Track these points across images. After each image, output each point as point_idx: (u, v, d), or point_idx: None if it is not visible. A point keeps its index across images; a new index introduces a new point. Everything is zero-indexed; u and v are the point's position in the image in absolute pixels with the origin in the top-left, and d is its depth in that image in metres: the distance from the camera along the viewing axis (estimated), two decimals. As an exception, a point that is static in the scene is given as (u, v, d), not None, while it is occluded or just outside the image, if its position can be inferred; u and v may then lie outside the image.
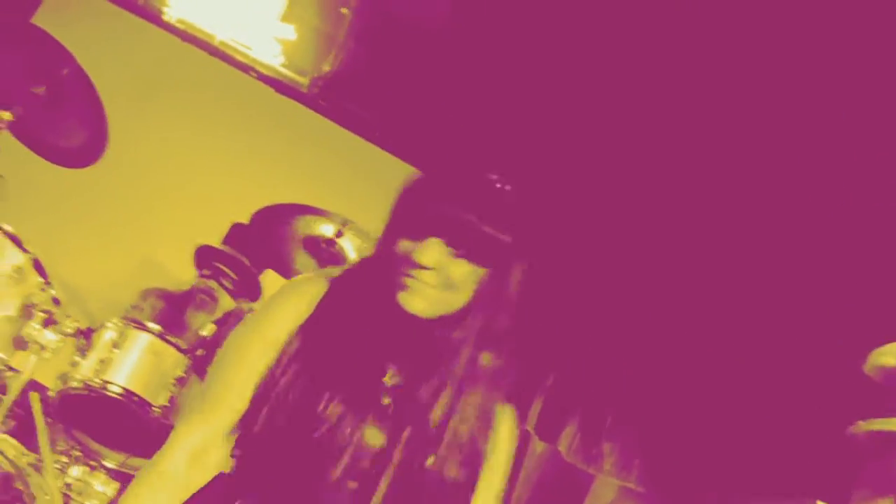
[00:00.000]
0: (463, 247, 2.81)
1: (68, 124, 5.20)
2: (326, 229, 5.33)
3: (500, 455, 3.03)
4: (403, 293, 2.82)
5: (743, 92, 5.49)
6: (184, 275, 5.93)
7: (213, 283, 5.81)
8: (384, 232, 2.93)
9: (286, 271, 5.62)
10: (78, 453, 4.97)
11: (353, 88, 7.12)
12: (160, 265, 6.56)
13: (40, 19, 6.82)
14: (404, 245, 2.83)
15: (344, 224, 5.26)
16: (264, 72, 7.14)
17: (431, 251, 2.80)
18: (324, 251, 5.34)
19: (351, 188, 6.81)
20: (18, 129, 5.17)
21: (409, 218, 2.85)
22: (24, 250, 4.72)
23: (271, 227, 5.48)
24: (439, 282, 2.81)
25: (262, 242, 5.63)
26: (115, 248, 6.60)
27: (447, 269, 2.80)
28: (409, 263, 2.81)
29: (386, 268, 2.86)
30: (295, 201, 5.56)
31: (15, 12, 6.74)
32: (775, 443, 5.72)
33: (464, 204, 2.80)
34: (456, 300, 2.86)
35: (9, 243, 4.71)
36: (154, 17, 6.98)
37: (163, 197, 6.79)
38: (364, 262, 3.07)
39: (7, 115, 5.07)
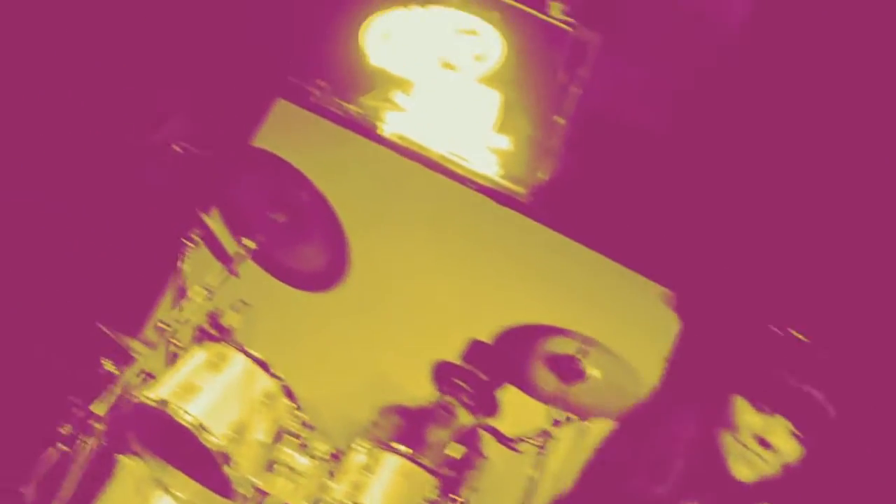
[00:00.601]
0: (810, 435, 2.71)
1: (309, 249, 5.26)
2: (568, 347, 5.26)
3: None
4: (735, 460, 2.73)
5: None
6: (420, 391, 5.92)
7: (451, 399, 5.80)
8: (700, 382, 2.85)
9: (527, 387, 5.57)
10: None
11: (570, 197, 7.10)
12: (396, 382, 6.58)
13: (261, 141, 6.97)
14: (748, 414, 2.73)
15: (587, 343, 5.19)
16: (482, 182, 7.16)
17: (783, 435, 2.71)
18: (566, 369, 5.28)
19: (586, 300, 6.78)
20: (261, 257, 5.25)
21: (761, 385, 2.74)
22: (274, 376, 4.78)
23: (511, 345, 5.44)
24: (775, 462, 2.72)
25: (501, 359, 5.60)
26: (352, 366, 6.64)
27: (786, 452, 2.72)
28: (752, 436, 2.71)
29: (709, 422, 2.77)
30: (530, 316, 5.50)
31: (237, 138, 6.90)
32: None
33: (826, 394, 2.70)
34: (772, 473, 2.77)
35: (258, 370, 4.77)
36: (371, 133, 7.06)
37: (398, 315, 6.82)
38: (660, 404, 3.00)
39: (250, 244, 5.16)
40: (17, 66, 6.36)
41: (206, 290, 5.07)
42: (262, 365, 4.79)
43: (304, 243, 5.25)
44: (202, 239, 5.28)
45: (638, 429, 3.08)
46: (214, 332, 4.95)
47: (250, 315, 5.03)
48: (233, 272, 5.15)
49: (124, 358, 5.09)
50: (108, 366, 5.05)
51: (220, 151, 5.64)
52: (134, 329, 5.73)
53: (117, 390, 4.93)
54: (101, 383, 5.09)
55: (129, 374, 5.01)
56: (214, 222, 5.34)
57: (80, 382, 5.20)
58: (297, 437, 4.79)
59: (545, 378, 5.40)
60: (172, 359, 5.09)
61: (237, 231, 5.32)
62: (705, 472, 2.81)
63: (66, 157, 6.50)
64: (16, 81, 6.38)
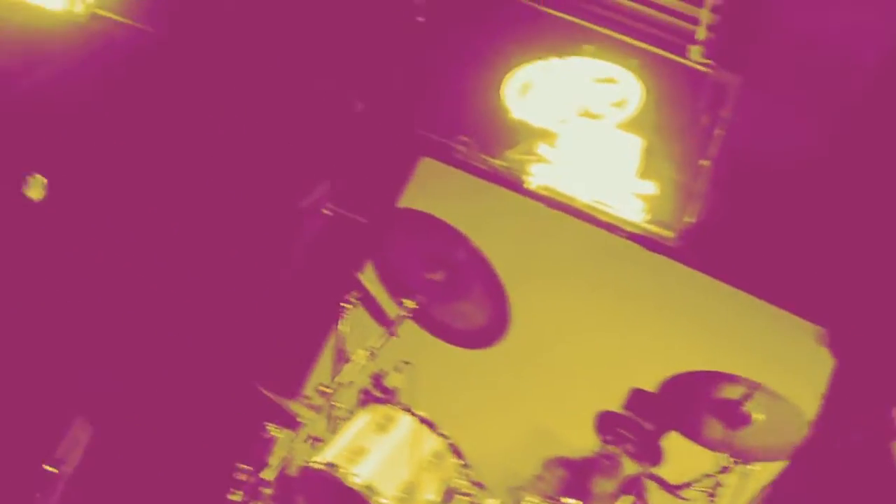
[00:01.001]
0: None
1: (468, 306, 5.28)
2: (733, 392, 5.21)
3: None
4: None
5: None
6: (583, 443, 5.89)
7: (615, 449, 5.76)
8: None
9: (691, 434, 5.53)
10: None
11: (719, 239, 7.04)
12: (559, 434, 6.55)
13: (408, 200, 7.03)
14: None
15: (752, 387, 5.14)
16: (630, 229, 7.13)
17: None
18: (731, 414, 5.22)
19: (738, 342, 6.71)
20: (420, 316, 5.28)
21: None
22: (441, 435, 4.79)
23: (673, 392, 5.40)
24: None
25: (663, 407, 5.56)
26: (514, 421, 6.64)
27: None
28: None
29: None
30: (688, 362, 5.47)
31: (385, 198, 6.96)
32: None
33: None
34: None
35: (425, 429, 4.79)
36: (517, 186, 7.07)
37: (557, 366, 6.81)
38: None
39: (411, 304, 5.20)
40: (179, 138, 6.52)
41: (368, 351, 5.11)
42: (429, 424, 4.80)
43: (462, 300, 5.27)
44: (360, 301, 5.33)
45: (808, 464, 3.07)
46: (379, 393, 4.98)
47: (413, 375, 5.06)
48: (392, 333, 5.18)
49: (289, 422, 5.14)
50: (274, 430, 5.10)
51: (371, 213, 5.71)
52: (291, 393, 5.78)
53: (285, 455, 4.98)
54: (268, 448, 5.15)
55: (296, 439, 5.06)
56: (372, 284, 5.39)
57: (247, 448, 5.27)
58: (468, 495, 4.79)
59: (710, 424, 5.35)
60: (335, 422, 5.13)
61: (395, 292, 5.36)
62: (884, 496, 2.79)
63: (222, 222, 6.61)
64: (168, 154, 6.54)
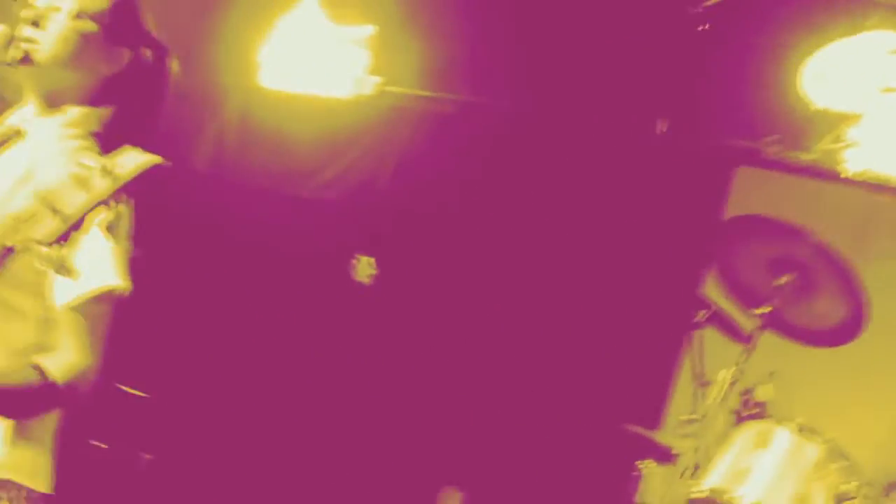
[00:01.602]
0: None
1: (822, 303, 5.15)
2: None
3: None
4: None
5: None
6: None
7: None
8: None
9: None
10: None
11: None
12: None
13: (733, 212, 6.93)
14: None
15: None
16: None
17: None
18: None
19: None
20: (774, 323, 5.18)
21: None
22: (822, 440, 4.67)
23: None
24: None
25: None
26: (885, 414, 6.40)
27: None
28: None
29: None
30: None
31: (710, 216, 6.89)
32: None
33: None
34: None
35: (804, 437, 4.68)
36: (834, 177, 6.88)
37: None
38: None
39: (765, 310, 5.09)
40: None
41: (729, 369, 5.03)
42: (808, 431, 4.68)
43: (816, 299, 5.14)
44: (709, 320, 5.26)
45: None
46: (750, 409, 4.90)
47: (781, 384, 4.95)
48: (750, 346, 5.09)
49: (661, 456, 5.11)
50: (647, 467, 5.08)
51: (701, 230, 5.65)
52: (653, 425, 5.74)
53: (663, 490, 4.95)
54: (640, 486, 5.13)
55: (673, 471, 5.02)
56: (719, 300, 5.32)
57: (621, 489, 5.26)
58: (862, 498, 4.64)
59: None
60: (708, 448, 5.05)
61: (744, 304, 5.28)
62: None
63: (560, 275, 6.68)
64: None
